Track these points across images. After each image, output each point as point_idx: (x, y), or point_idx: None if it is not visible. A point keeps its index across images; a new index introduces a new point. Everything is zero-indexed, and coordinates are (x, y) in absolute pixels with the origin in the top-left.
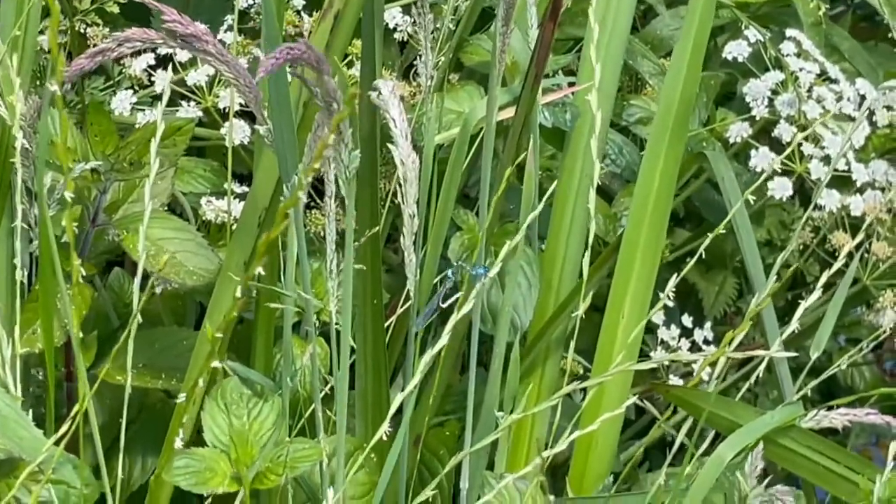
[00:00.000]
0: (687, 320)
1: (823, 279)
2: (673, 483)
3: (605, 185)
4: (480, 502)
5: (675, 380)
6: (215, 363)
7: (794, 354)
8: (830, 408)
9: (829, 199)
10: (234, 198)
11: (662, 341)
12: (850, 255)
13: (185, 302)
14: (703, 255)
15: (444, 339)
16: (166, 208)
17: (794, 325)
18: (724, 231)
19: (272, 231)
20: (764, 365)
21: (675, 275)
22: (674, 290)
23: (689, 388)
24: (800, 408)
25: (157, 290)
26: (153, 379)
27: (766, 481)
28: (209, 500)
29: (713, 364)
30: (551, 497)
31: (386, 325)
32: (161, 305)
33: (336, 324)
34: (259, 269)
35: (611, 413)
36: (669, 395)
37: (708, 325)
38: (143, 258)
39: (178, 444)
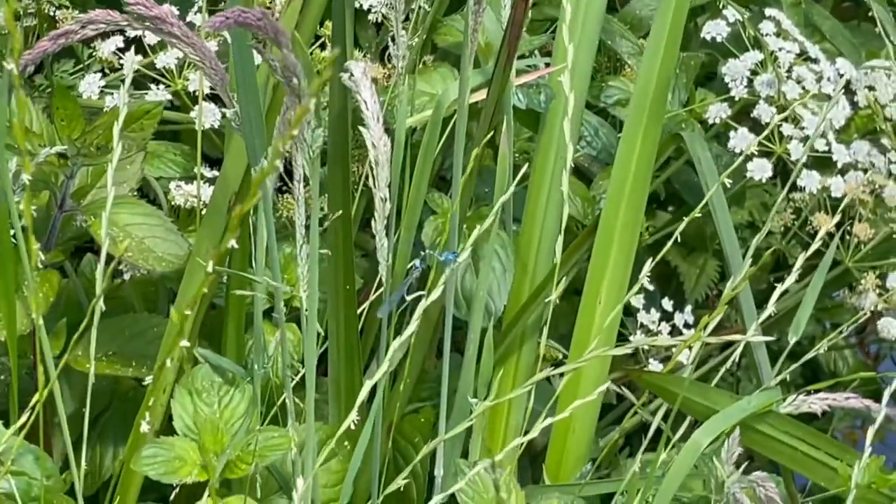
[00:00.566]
0: (667, 304)
1: (801, 261)
2: (649, 470)
3: (584, 167)
4: (452, 490)
5: (655, 364)
6: (183, 343)
7: (770, 339)
8: (809, 392)
9: (809, 181)
10: (205, 182)
11: (642, 325)
12: (830, 237)
13: (157, 288)
14: (684, 238)
15: (412, 326)
16: (137, 193)
17: (770, 308)
18: (702, 214)
19: (245, 204)
20: (740, 350)
21: (652, 258)
22: (654, 273)
23: (662, 374)
24: (777, 393)
25: (126, 276)
26: (123, 367)
27: (743, 467)
28: (179, 488)
29: (692, 348)
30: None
31: (360, 310)
32: (132, 292)
33: (306, 310)
34: (233, 243)
35: (584, 399)
36: (643, 381)
37: (689, 308)
38: (105, 244)
39: (145, 427)
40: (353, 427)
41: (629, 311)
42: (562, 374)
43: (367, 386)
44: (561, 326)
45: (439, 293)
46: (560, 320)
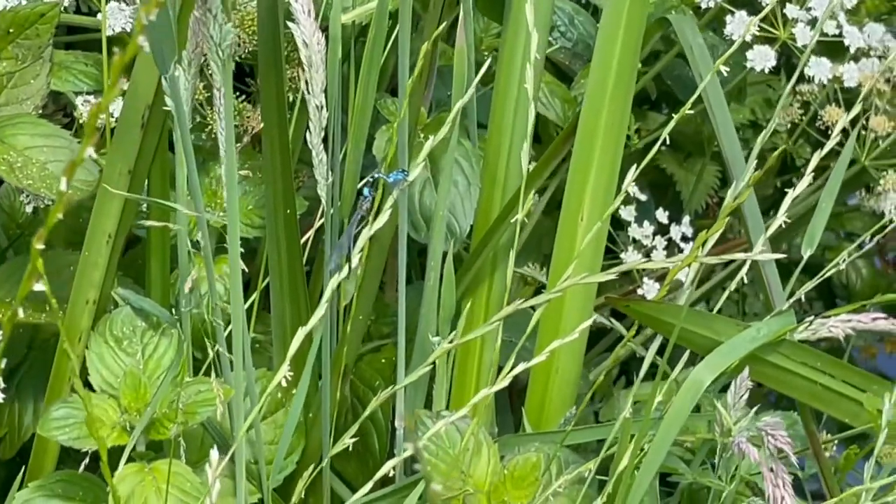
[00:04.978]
0: (662, 216)
1: (815, 161)
2: (644, 411)
3: (564, 65)
4: (413, 448)
5: (650, 284)
6: (38, 287)
7: (781, 256)
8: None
9: (819, 69)
10: (119, 96)
11: (634, 240)
12: (845, 133)
13: (81, 220)
14: (679, 142)
15: (354, 261)
16: (60, 113)
17: (780, 218)
18: (699, 113)
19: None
20: (746, 268)
21: (637, 164)
22: (647, 182)
23: (654, 303)
24: (791, 318)
25: (29, 208)
26: (36, 312)
27: (753, 411)
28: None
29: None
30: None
31: (305, 238)
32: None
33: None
34: (90, 153)
35: (565, 339)
36: (632, 311)
37: (686, 219)
38: None
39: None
40: (287, 380)
41: (620, 224)
42: (533, 307)
43: (301, 335)
44: (545, 246)
45: (386, 219)
46: (544, 239)
